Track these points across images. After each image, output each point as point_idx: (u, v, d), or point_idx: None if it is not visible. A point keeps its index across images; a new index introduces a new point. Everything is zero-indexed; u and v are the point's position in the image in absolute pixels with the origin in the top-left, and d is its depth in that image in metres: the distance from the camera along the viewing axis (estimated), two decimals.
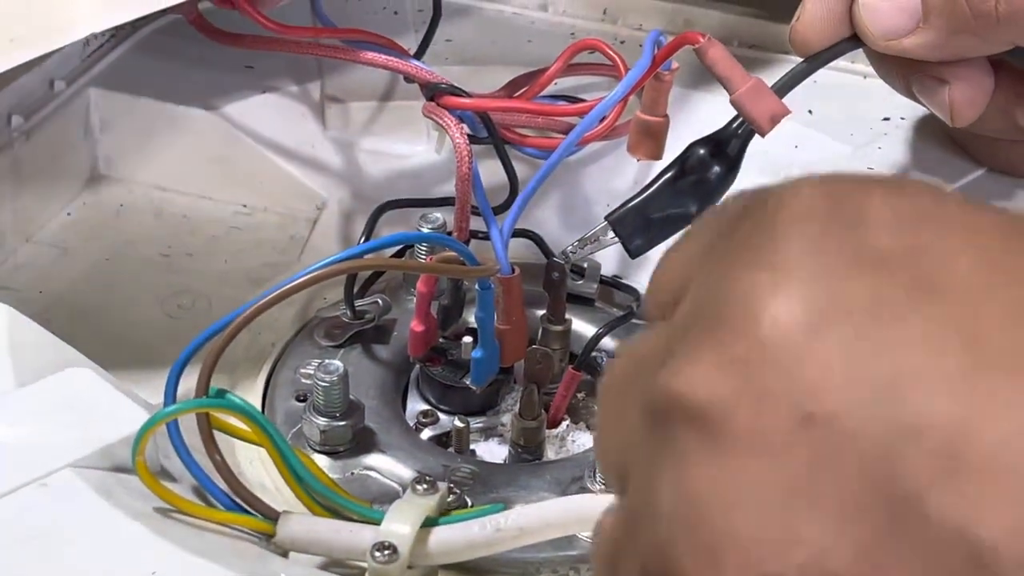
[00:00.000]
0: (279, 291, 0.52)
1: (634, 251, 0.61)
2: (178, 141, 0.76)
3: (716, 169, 0.60)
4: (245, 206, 0.75)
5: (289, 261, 0.72)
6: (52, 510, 0.48)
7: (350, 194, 0.75)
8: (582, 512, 0.51)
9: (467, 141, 0.60)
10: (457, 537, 0.51)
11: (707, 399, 0.29)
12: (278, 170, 0.75)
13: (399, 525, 0.50)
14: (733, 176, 0.61)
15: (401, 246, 0.65)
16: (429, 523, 0.51)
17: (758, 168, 0.72)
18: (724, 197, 0.34)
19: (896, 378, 0.27)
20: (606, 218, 0.61)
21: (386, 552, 0.49)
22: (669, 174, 0.61)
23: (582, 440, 0.64)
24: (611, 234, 0.61)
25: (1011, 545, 0.26)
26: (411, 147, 0.75)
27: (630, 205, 0.61)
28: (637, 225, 0.61)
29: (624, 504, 0.33)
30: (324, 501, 0.53)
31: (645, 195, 0.61)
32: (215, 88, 0.77)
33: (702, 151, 0.60)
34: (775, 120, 0.58)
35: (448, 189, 0.74)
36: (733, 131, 0.60)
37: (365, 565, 0.50)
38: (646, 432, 0.31)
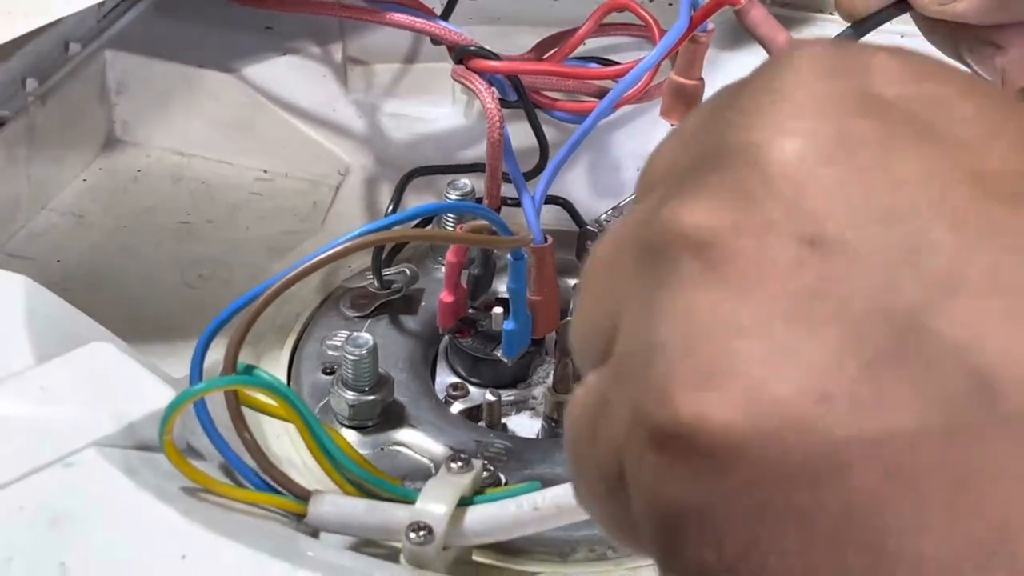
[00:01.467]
0: (307, 264, 0.50)
1: None
2: (196, 105, 0.74)
3: None
4: (266, 171, 0.74)
5: (312, 229, 0.70)
6: (77, 491, 0.47)
7: (374, 159, 0.73)
8: None
9: (498, 107, 0.58)
10: (493, 517, 0.50)
11: (709, 228, 0.28)
12: (299, 134, 0.73)
13: (434, 505, 0.49)
14: None
15: (428, 215, 0.63)
16: (464, 502, 0.50)
17: None
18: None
19: (900, 206, 0.27)
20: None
21: (421, 533, 0.48)
22: None
23: None
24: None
25: (1008, 365, 0.26)
26: (436, 110, 0.74)
27: None
28: None
29: (608, 362, 0.30)
30: (355, 479, 0.51)
31: None
32: (234, 50, 0.75)
33: None
34: None
35: (474, 153, 0.72)
36: None
37: (399, 545, 0.49)
38: (643, 273, 0.29)
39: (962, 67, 0.29)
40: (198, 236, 0.69)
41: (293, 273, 0.50)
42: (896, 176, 0.27)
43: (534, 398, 0.63)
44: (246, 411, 0.51)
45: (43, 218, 0.70)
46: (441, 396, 0.62)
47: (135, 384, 0.51)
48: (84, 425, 0.49)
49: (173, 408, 0.47)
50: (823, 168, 0.28)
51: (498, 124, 0.58)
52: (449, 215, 0.64)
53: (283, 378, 0.62)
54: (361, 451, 0.54)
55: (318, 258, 0.50)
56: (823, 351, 0.27)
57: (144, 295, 0.65)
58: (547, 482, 0.55)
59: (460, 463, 0.50)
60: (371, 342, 0.57)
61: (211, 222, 0.70)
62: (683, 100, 0.65)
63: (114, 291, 0.65)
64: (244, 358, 0.51)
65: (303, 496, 0.50)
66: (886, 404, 0.26)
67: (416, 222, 0.65)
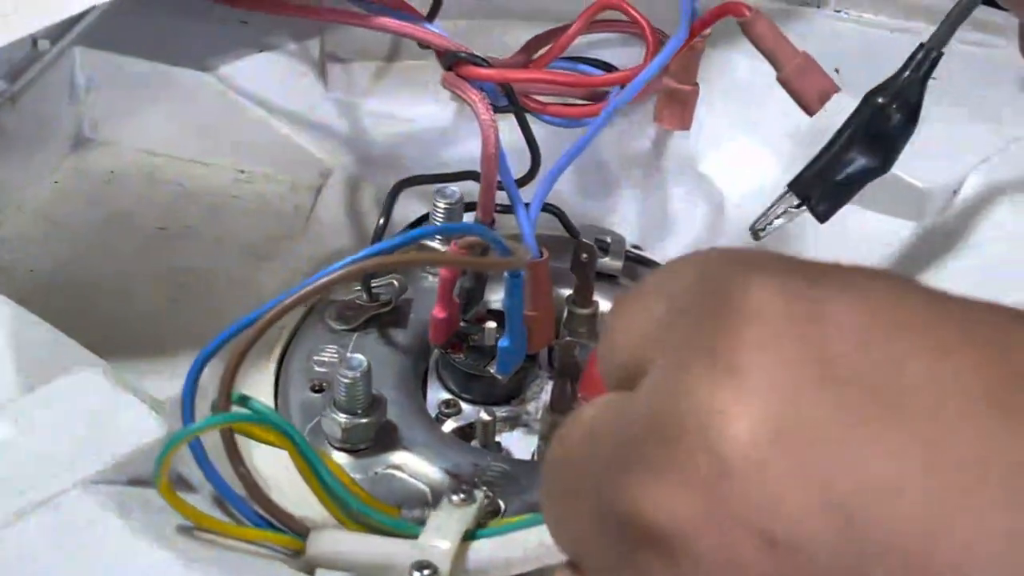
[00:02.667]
0: (301, 292, 0.48)
1: (821, 216, 0.58)
2: (170, 103, 0.72)
3: (896, 117, 0.56)
4: (243, 172, 0.71)
5: (293, 234, 0.68)
6: (67, 534, 0.45)
7: (355, 160, 0.71)
8: None
9: (493, 119, 0.56)
10: (499, 553, 0.48)
11: (670, 523, 0.28)
12: (277, 135, 0.71)
13: (438, 541, 0.47)
14: (913, 125, 0.57)
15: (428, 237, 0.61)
16: (467, 536, 0.48)
17: (782, 131, 0.69)
18: (672, 260, 0.33)
19: (858, 495, 0.27)
20: (789, 186, 0.58)
21: (426, 572, 0.46)
22: (847, 131, 0.57)
23: None
24: (796, 201, 0.58)
25: None
26: (418, 108, 0.72)
27: (812, 169, 0.57)
28: (821, 189, 0.57)
29: None
30: (354, 515, 0.49)
31: (826, 157, 0.57)
32: (208, 46, 0.72)
33: (880, 100, 0.56)
34: (824, 98, 0.55)
35: (460, 153, 0.70)
36: (909, 76, 0.57)
37: None
38: (606, 543, 0.30)
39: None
40: (177, 243, 0.67)
41: (288, 301, 0.48)
42: (853, 460, 0.27)
43: (527, 414, 0.62)
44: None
45: (14, 222, 0.67)
46: (433, 413, 0.60)
47: (124, 416, 0.49)
48: (71, 462, 0.47)
49: (169, 448, 0.45)
50: (777, 456, 0.27)
51: (493, 138, 0.56)
52: (437, 222, 0.62)
53: (270, 395, 0.60)
54: (355, 475, 0.53)
55: (312, 286, 0.48)
56: None
57: (124, 308, 0.63)
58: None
59: (462, 495, 0.49)
60: (365, 364, 0.55)
61: (189, 227, 0.68)
62: (678, 105, 0.64)
63: (93, 304, 0.63)
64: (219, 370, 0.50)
65: (301, 532, 0.48)
66: None
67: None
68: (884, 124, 0.57)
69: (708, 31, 0.60)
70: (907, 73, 0.57)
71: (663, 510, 0.28)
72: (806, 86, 0.55)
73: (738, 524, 0.27)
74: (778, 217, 0.59)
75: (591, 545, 0.31)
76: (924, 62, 0.56)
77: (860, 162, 0.57)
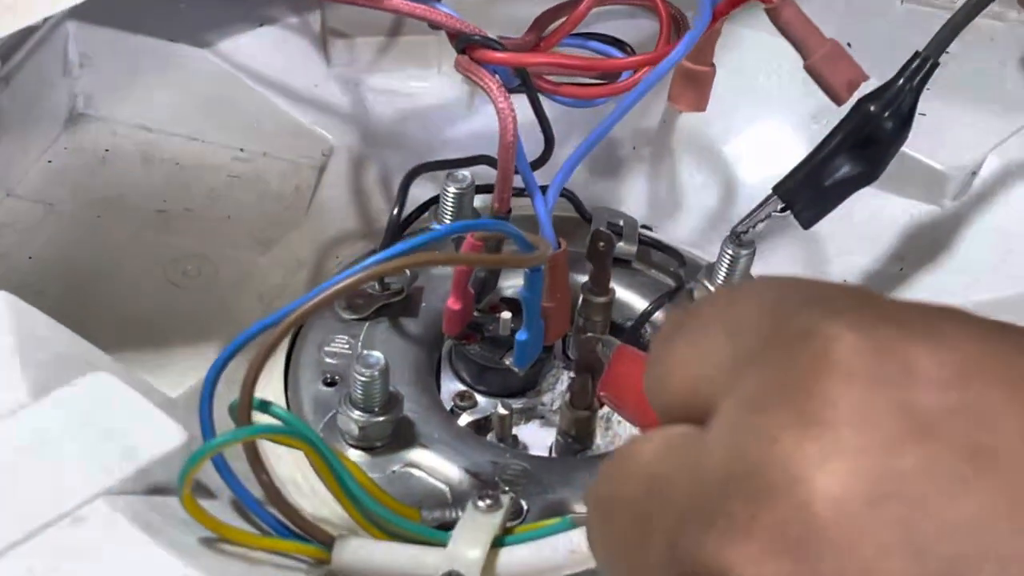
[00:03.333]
0: (318, 298, 0.46)
1: (806, 223, 0.57)
2: (165, 78, 0.70)
3: (888, 125, 0.55)
4: (243, 150, 0.70)
5: (296, 217, 0.66)
6: (91, 549, 0.43)
7: (358, 138, 0.69)
8: None
9: (511, 106, 0.55)
10: (528, 561, 0.47)
11: None
12: (277, 112, 0.69)
13: (467, 550, 0.46)
14: (907, 132, 0.56)
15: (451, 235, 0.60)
16: (495, 543, 0.47)
17: (798, 110, 0.68)
18: (731, 289, 0.31)
19: (959, 560, 0.26)
20: (774, 190, 0.57)
21: None
22: (837, 137, 0.56)
23: None
24: (780, 206, 0.57)
25: None
26: (422, 84, 0.70)
27: (800, 174, 0.56)
28: (808, 195, 0.56)
29: None
30: (376, 520, 0.48)
31: (814, 161, 0.56)
32: (205, 19, 0.70)
33: (872, 107, 0.55)
34: (853, 87, 0.54)
35: (465, 130, 0.69)
36: (903, 84, 0.55)
37: None
38: None
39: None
40: (176, 226, 0.65)
41: (307, 306, 0.47)
42: (949, 521, 0.26)
43: (543, 405, 0.61)
44: None
45: (9, 206, 0.65)
46: (447, 406, 0.59)
47: (141, 422, 0.47)
48: (91, 472, 0.45)
49: (193, 463, 0.44)
50: (872, 517, 0.26)
51: (511, 126, 0.55)
52: (447, 205, 0.61)
53: (280, 389, 0.59)
54: (372, 474, 0.52)
55: (331, 290, 0.46)
56: None
57: (127, 297, 0.61)
58: (567, 504, 0.53)
59: (489, 501, 0.48)
60: (382, 362, 0.54)
61: (189, 210, 0.66)
62: (694, 86, 0.62)
63: (94, 293, 0.61)
64: (236, 366, 0.48)
65: (326, 542, 0.47)
66: None
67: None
68: (875, 132, 0.56)
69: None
70: (901, 81, 0.55)
71: (752, 569, 0.27)
72: (835, 75, 0.54)
73: None
74: (762, 221, 0.58)
75: None
76: (919, 71, 0.55)
77: (848, 169, 0.56)
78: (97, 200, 0.66)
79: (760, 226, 0.58)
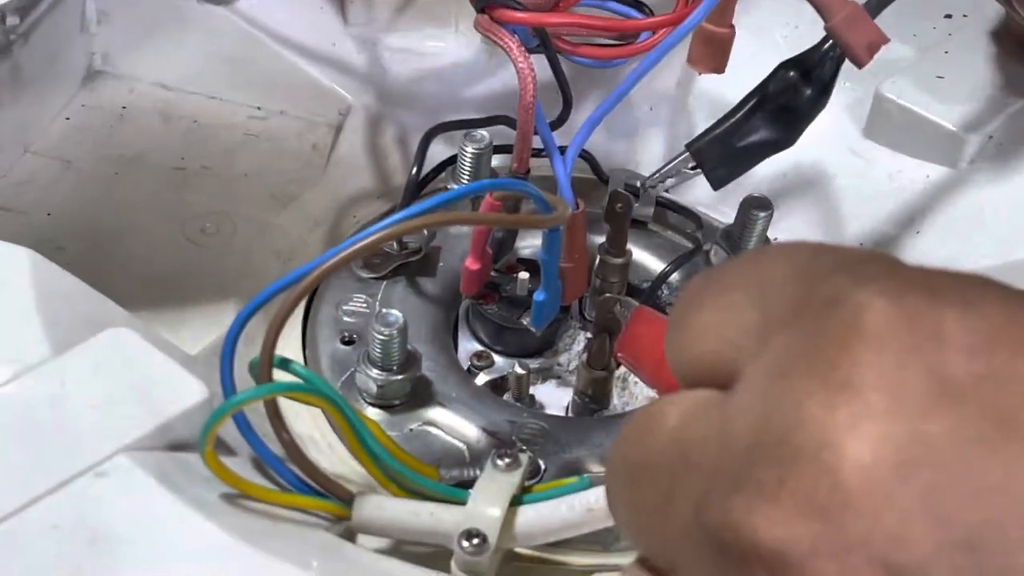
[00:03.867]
0: (338, 257, 0.46)
1: (716, 182, 0.57)
2: (182, 36, 0.70)
3: (807, 93, 0.55)
4: (260, 109, 0.70)
5: (314, 175, 0.66)
6: (114, 505, 0.44)
7: (375, 97, 0.69)
8: None
9: (531, 66, 0.55)
10: (546, 519, 0.47)
11: (785, 549, 0.27)
12: (295, 70, 0.70)
13: (487, 508, 0.47)
14: (824, 101, 0.56)
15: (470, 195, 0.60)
16: (513, 501, 0.48)
17: None
18: (754, 247, 0.31)
19: (984, 526, 0.26)
20: (687, 147, 0.57)
21: (475, 541, 0.46)
22: (754, 100, 0.56)
23: None
24: (692, 164, 0.57)
25: None
26: (439, 43, 0.70)
27: (713, 134, 0.56)
28: (720, 154, 0.56)
29: None
30: (395, 477, 0.49)
31: (728, 123, 0.56)
32: None
33: (792, 74, 0.56)
34: (873, 49, 0.54)
35: (482, 90, 0.69)
36: (825, 53, 0.56)
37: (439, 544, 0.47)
38: (703, 556, 0.29)
39: None
40: (194, 183, 0.65)
41: (327, 264, 0.47)
42: (978, 488, 0.26)
43: (559, 365, 0.61)
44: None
45: (28, 163, 0.66)
46: (465, 366, 0.59)
47: (162, 377, 0.48)
48: (114, 427, 0.46)
49: (215, 420, 0.44)
50: (899, 482, 0.27)
51: (531, 87, 0.55)
52: (465, 163, 0.61)
53: (299, 347, 0.59)
54: (390, 432, 0.52)
55: (351, 249, 0.46)
56: None
57: (145, 254, 0.61)
58: (584, 464, 0.54)
59: (508, 460, 0.48)
60: (401, 320, 0.54)
61: (207, 168, 0.66)
62: (713, 48, 0.62)
63: (112, 248, 0.61)
64: (255, 324, 0.48)
65: (345, 498, 0.48)
66: None
67: None
68: (793, 98, 0.56)
69: None
70: (825, 47, 0.56)
71: (777, 535, 0.27)
72: (855, 37, 0.53)
73: (860, 555, 0.26)
74: (671, 177, 0.58)
75: (683, 556, 0.30)
76: None
77: (763, 133, 0.56)
78: (115, 157, 0.66)
79: (670, 181, 0.58)
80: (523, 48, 0.56)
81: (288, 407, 0.55)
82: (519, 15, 0.57)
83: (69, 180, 0.65)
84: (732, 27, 0.61)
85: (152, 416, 0.46)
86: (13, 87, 0.65)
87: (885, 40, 0.54)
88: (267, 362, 0.47)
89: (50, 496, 0.43)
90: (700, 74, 0.62)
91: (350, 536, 0.49)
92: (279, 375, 0.48)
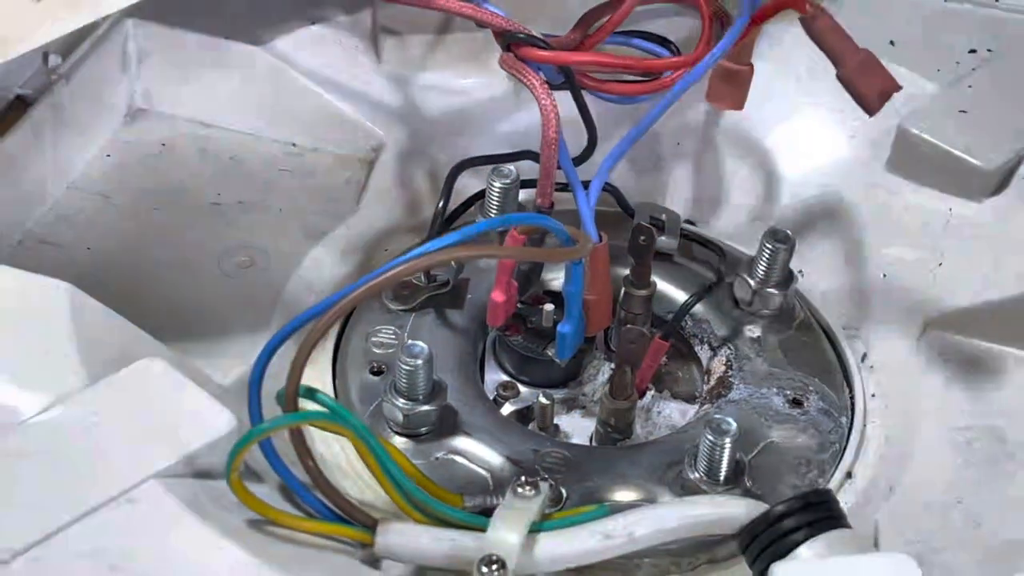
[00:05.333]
0: (365, 287, 0.48)
1: None
2: (220, 75, 0.72)
3: None
4: (295, 145, 0.71)
5: (347, 209, 0.68)
6: (143, 529, 0.45)
7: (408, 133, 0.71)
8: (698, 519, 0.49)
9: (554, 103, 0.56)
10: (565, 546, 0.49)
11: None
12: (329, 107, 0.71)
13: (506, 535, 0.48)
14: None
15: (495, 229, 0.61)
16: (533, 528, 0.49)
17: (842, 104, 0.69)
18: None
19: None
20: None
21: (494, 567, 0.47)
22: None
23: (668, 411, 0.61)
24: None
25: None
26: (471, 81, 0.71)
27: None
28: None
29: None
30: (419, 505, 0.50)
31: None
32: (259, 17, 0.72)
33: None
34: (885, 97, 0.55)
35: (512, 126, 0.70)
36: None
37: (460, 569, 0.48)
38: None
39: None
40: (230, 218, 0.67)
41: (355, 294, 0.48)
42: None
43: (584, 395, 0.62)
44: None
45: (70, 198, 0.67)
46: (491, 396, 0.61)
47: (191, 407, 0.49)
48: (143, 455, 0.47)
49: (240, 447, 0.46)
50: None
51: (554, 123, 0.56)
52: (493, 204, 0.62)
53: (328, 377, 0.60)
54: (415, 460, 0.53)
55: (378, 280, 0.48)
56: None
57: (181, 286, 0.63)
58: (606, 492, 0.55)
59: (529, 487, 0.49)
60: (427, 351, 0.55)
61: (242, 202, 0.68)
62: (732, 85, 0.63)
63: (149, 282, 0.63)
64: (285, 354, 0.50)
65: (369, 525, 0.49)
66: None
67: None
68: None
69: None
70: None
71: None
72: (867, 85, 0.54)
73: None
74: None
75: None
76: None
77: None
78: (153, 193, 0.68)
79: None
80: (547, 86, 0.57)
81: (317, 435, 0.57)
82: (543, 54, 0.59)
83: (109, 215, 0.67)
84: (751, 65, 0.62)
85: (181, 445, 0.48)
86: (55, 125, 0.67)
87: (897, 88, 0.55)
88: (293, 391, 0.48)
89: (81, 522, 0.45)
90: (718, 110, 0.63)
91: (374, 562, 0.50)
92: (306, 405, 0.49)
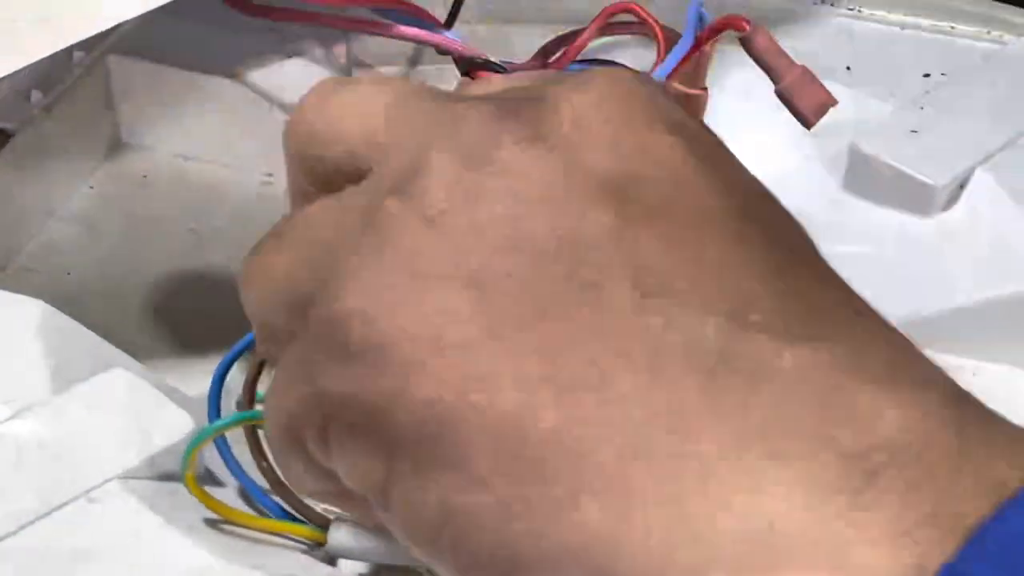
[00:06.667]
0: None
1: None
2: (200, 108, 0.74)
3: None
4: (271, 175, 0.74)
5: None
6: (103, 526, 0.47)
7: None
8: None
9: None
10: None
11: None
12: None
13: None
14: None
15: None
16: None
17: (795, 129, 0.71)
18: None
19: None
20: None
21: None
22: None
23: None
24: None
25: None
26: None
27: None
28: None
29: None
30: None
31: None
32: (237, 52, 0.75)
33: None
34: (821, 112, 0.57)
35: None
36: None
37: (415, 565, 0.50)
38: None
39: None
40: (207, 245, 0.69)
41: None
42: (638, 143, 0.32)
43: None
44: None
45: (52, 228, 0.70)
46: None
47: (155, 413, 0.51)
48: (106, 457, 0.49)
49: (193, 446, 0.48)
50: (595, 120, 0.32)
51: None
52: None
53: None
54: None
55: None
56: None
57: (157, 309, 0.65)
58: None
59: None
60: None
61: (218, 230, 0.70)
62: (686, 109, 0.65)
63: (127, 305, 0.65)
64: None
65: (322, 524, 0.51)
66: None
67: None
68: None
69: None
70: None
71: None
72: (804, 99, 0.56)
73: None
74: None
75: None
76: None
77: None
78: (135, 222, 0.71)
79: None
80: None
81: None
82: (499, 77, 0.61)
83: (90, 243, 0.69)
84: (705, 89, 0.64)
85: (142, 447, 0.50)
86: (38, 158, 0.69)
87: (834, 102, 0.57)
88: (249, 393, 0.50)
89: (45, 518, 0.47)
90: None
91: (331, 561, 0.52)
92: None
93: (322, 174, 0.37)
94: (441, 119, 0.33)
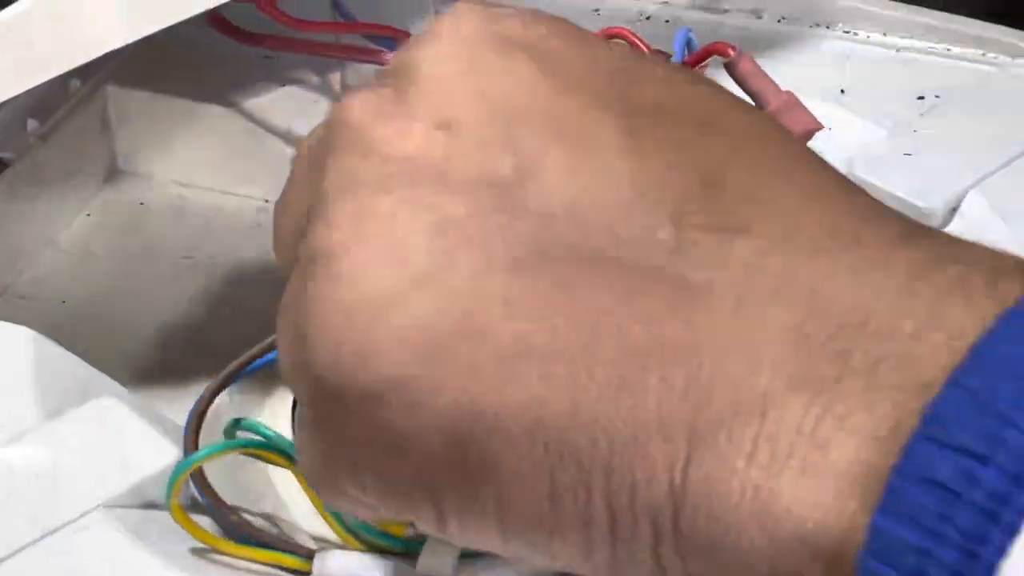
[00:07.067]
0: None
1: None
2: (197, 137, 0.75)
3: None
4: (267, 202, 0.74)
5: None
6: (88, 554, 0.48)
7: None
8: None
9: None
10: (503, 568, 0.50)
11: (360, 118, 0.39)
12: None
13: (439, 561, 0.49)
14: None
15: None
16: (469, 553, 0.50)
17: None
18: None
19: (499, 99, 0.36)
20: None
21: None
22: None
23: None
24: None
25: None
26: None
27: None
28: None
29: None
30: (359, 536, 0.52)
31: None
32: (233, 81, 0.75)
33: None
34: (808, 136, 0.57)
35: None
36: None
37: None
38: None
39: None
40: (202, 272, 0.70)
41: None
42: (500, 73, 0.36)
43: None
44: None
45: (48, 257, 0.70)
46: None
47: (141, 441, 0.52)
48: (90, 486, 0.50)
49: (177, 475, 0.48)
50: (454, 75, 0.36)
51: None
52: None
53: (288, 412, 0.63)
54: None
55: None
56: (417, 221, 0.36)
57: (152, 337, 0.65)
58: None
59: None
60: None
61: (213, 257, 0.71)
62: None
63: (121, 333, 0.65)
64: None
65: (307, 554, 0.51)
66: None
67: None
68: None
69: (706, 62, 0.61)
70: None
71: (357, 109, 0.40)
72: (790, 124, 0.56)
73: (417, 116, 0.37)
74: None
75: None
76: None
77: None
78: (130, 249, 0.71)
79: None
80: None
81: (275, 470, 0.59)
82: None
83: (85, 271, 0.69)
84: None
85: (127, 476, 0.50)
86: (35, 186, 0.70)
87: (819, 127, 0.57)
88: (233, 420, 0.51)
89: (30, 547, 0.47)
90: None
91: None
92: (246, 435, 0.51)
93: None
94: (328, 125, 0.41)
